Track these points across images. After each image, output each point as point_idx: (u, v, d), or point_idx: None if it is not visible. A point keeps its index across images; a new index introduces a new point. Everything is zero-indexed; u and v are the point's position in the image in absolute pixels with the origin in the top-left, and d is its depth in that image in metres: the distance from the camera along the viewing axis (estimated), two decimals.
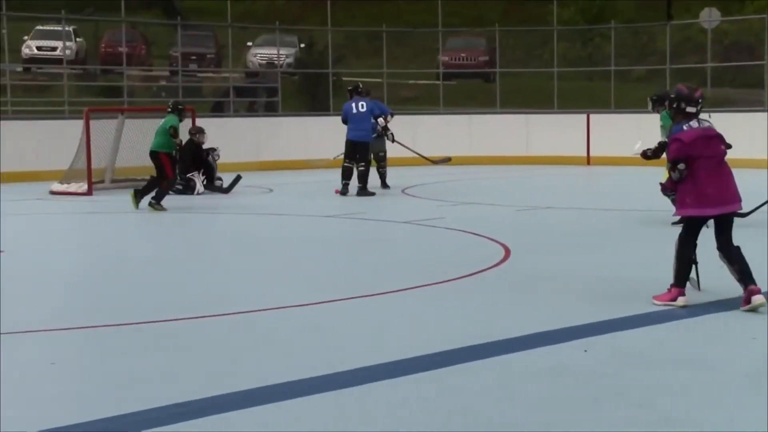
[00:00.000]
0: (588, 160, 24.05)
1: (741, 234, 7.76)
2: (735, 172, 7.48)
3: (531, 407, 5.31)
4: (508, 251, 10.44)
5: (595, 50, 30.65)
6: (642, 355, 6.28)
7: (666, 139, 13.06)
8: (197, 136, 17.17)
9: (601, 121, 24.24)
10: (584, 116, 24.43)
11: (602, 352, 6.39)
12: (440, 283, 8.79)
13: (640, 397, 5.41)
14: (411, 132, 24.33)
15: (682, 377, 5.79)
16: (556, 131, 24.24)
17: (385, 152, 17.78)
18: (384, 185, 17.59)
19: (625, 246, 11.31)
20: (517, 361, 6.21)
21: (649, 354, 6.32)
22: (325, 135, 21.32)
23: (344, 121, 16.81)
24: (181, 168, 16.45)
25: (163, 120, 14.95)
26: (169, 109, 15.20)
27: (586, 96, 27.53)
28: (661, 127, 13.68)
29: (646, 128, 23.29)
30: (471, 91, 29.88)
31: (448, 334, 6.90)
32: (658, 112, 13.94)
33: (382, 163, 17.74)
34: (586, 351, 6.37)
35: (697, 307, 7.48)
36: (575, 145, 24.12)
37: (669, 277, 7.59)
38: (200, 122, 18.95)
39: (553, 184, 19.66)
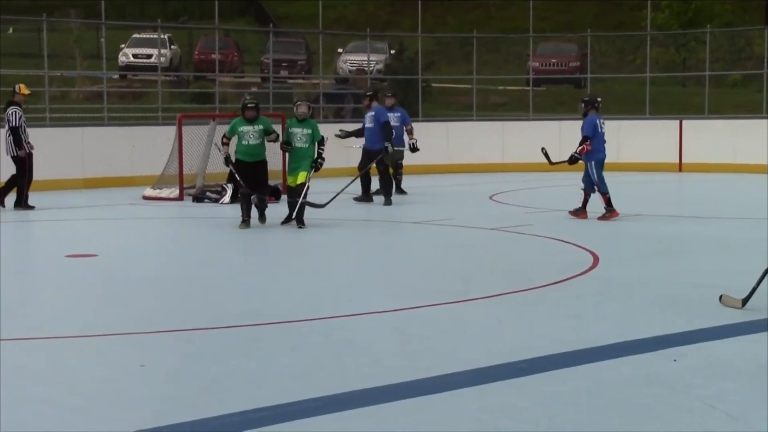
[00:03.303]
0: (680, 167, 23.67)
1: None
2: None
3: (619, 416, 5.23)
4: (596, 258, 10.32)
5: (690, 55, 30.15)
6: (733, 366, 6.15)
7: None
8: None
9: (694, 127, 23.83)
10: (677, 122, 24.05)
11: (693, 361, 6.28)
12: (528, 290, 8.73)
13: (731, 408, 5.29)
14: (500, 138, 24.29)
15: None
16: (647, 137, 23.90)
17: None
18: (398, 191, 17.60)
19: (716, 254, 11.10)
20: (606, 370, 6.14)
21: (740, 365, 6.19)
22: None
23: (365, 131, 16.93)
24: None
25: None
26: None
27: (679, 102, 27.12)
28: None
29: (741, 134, 22.96)
30: (561, 96, 29.63)
31: (535, 341, 6.84)
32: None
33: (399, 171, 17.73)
34: (675, 360, 6.26)
35: None
36: (667, 151, 23.76)
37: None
38: None
39: (644, 191, 19.39)
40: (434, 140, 22.09)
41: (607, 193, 13.74)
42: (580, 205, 13.92)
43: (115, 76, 27.84)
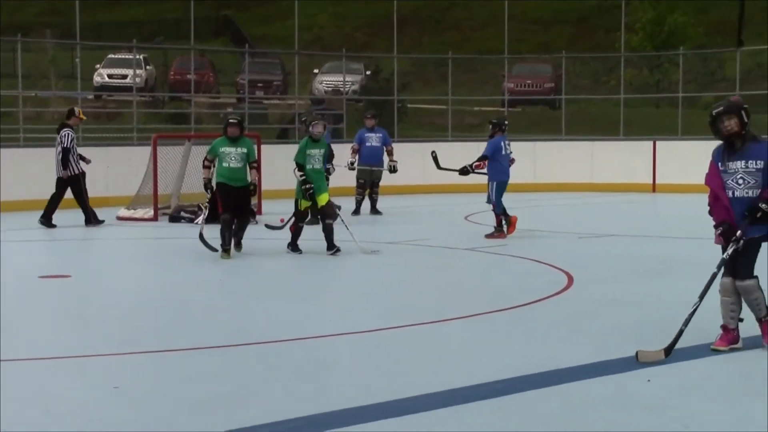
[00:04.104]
0: (653, 188, 23.81)
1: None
2: None
3: None
4: (571, 279, 10.36)
5: (663, 77, 30.39)
6: (708, 387, 6.18)
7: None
8: None
9: (667, 148, 24.00)
10: (650, 143, 24.21)
11: (667, 381, 6.31)
12: (502, 310, 8.75)
13: (705, 430, 5.32)
14: (474, 158, 24.31)
15: (749, 410, 5.68)
16: (621, 158, 24.06)
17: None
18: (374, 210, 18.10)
19: (689, 274, 11.13)
20: (580, 390, 6.16)
21: (715, 385, 6.22)
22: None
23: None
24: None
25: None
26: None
27: (652, 123, 27.28)
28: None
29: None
30: (536, 117, 29.77)
31: (509, 361, 6.86)
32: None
33: (375, 189, 18.21)
34: (649, 381, 6.29)
35: (757, 337, 7.31)
36: (641, 172, 23.92)
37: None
38: (265, 149, 19.06)
39: (617, 212, 19.49)
40: (410, 161, 22.11)
41: (501, 215, 14.18)
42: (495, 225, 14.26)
43: (90, 97, 27.75)
